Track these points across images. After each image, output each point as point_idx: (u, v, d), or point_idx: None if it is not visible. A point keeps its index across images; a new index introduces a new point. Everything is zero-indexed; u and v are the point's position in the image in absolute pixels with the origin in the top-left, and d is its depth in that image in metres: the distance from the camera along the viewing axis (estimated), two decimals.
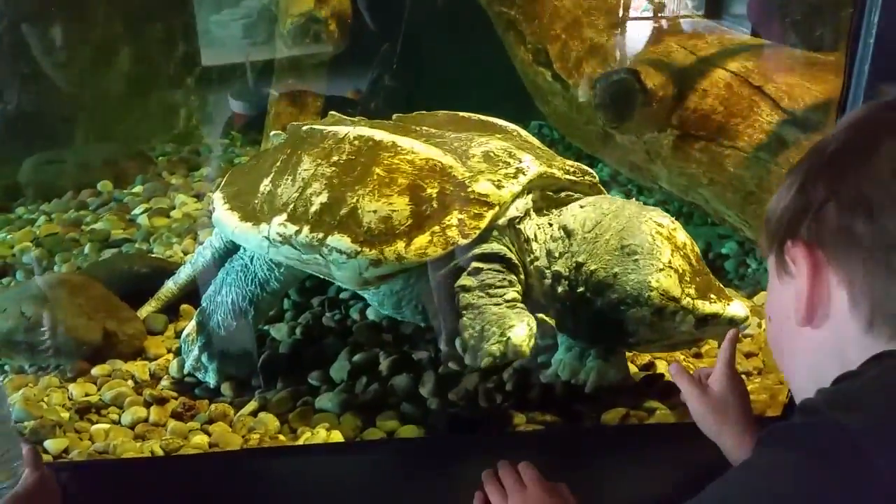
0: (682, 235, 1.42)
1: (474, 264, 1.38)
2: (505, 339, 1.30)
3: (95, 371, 1.79)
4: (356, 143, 1.48)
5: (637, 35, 2.34)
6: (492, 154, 1.45)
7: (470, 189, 1.38)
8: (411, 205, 1.37)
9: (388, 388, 1.64)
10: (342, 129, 1.53)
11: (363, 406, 1.59)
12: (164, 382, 1.74)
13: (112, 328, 1.84)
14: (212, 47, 3.56)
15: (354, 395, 1.63)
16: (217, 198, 1.62)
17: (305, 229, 1.42)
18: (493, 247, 1.40)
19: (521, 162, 1.44)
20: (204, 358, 1.67)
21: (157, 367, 1.79)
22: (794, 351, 0.89)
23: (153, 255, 2.26)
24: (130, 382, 1.76)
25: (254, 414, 1.62)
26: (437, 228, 1.35)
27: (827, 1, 2.56)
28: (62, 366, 1.81)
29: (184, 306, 1.97)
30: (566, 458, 1.33)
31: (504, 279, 1.37)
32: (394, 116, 1.79)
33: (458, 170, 1.41)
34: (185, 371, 1.73)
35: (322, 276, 1.54)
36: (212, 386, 1.70)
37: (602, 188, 1.59)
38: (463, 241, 1.35)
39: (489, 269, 1.37)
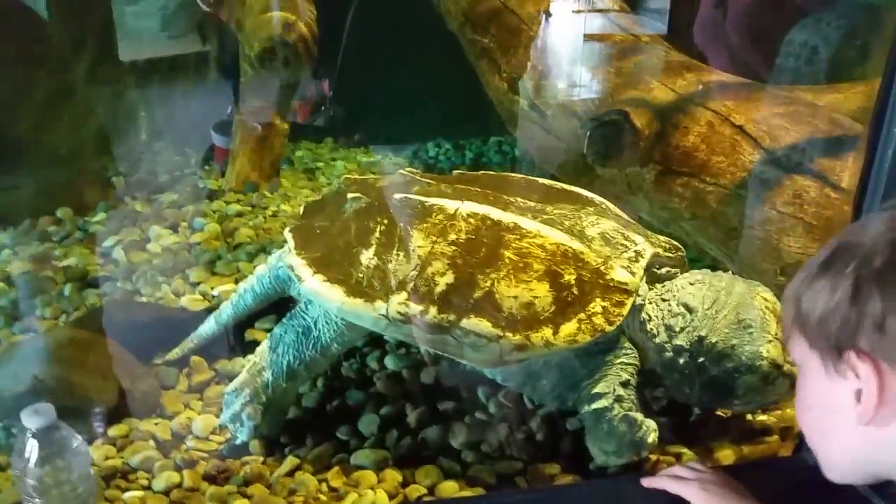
0: (780, 307, 1.56)
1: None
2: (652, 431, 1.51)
3: (112, 432, 1.77)
4: (472, 220, 1.50)
5: (617, 69, 2.43)
6: (608, 236, 1.55)
7: (608, 277, 1.46)
8: (552, 291, 1.42)
9: (419, 441, 1.69)
10: (449, 204, 1.54)
11: (399, 461, 1.64)
12: (191, 443, 1.74)
13: (127, 386, 1.82)
14: (128, 41, 3.42)
15: (387, 449, 1.68)
16: (300, 265, 1.57)
17: (433, 310, 1.43)
18: (626, 350, 1.52)
19: (636, 244, 1.55)
20: (245, 414, 1.67)
21: (179, 426, 1.78)
22: (841, 439, 0.99)
23: (152, 303, 2.22)
24: (151, 443, 1.76)
25: (290, 474, 1.65)
26: (582, 316, 1.42)
27: (777, 32, 2.73)
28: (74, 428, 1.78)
29: (195, 358, 1.96)
30: None
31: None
32: (454, 172, 1.82)
33: (590, 255, 1.48)
34: (219, 424, 1.73)
35: (444, 354, 1.56)
36: (240, 442, 1.71)
37: (685, 259, 1.71)
38: (609, 329, 1.43)
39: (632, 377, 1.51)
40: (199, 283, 2.32)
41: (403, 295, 1.45)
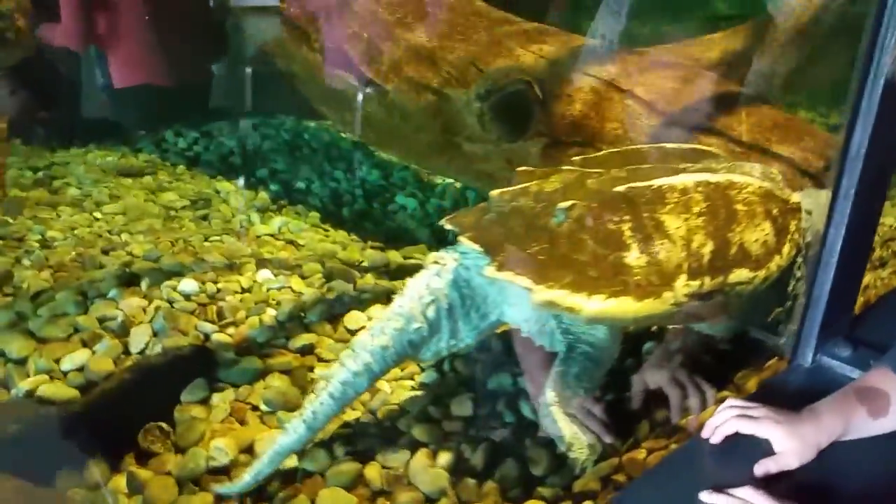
0: None
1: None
2: None
3: None
4: (700, 189, 1.56)
5: (465, 35, 2.24)
6: (763, 172, 1.71)
7: (792, 202, 1.68)
8: (773, 226, 1.62)
9: (497, 479, 1.40)
10: (677, 181, 1.56)
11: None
12: None
13: None
14: None
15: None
16: (562, 296, 1.41)
17: (706, 280, 1.50)
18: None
19: (776, 174, 1.74)
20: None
21: None
22: None
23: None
24: None
25: None
26: (789, 237, 1.65)
27: None
28: None
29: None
30: None
31: None
32: (576, 160, 1.72)
33: (776, 189, 1.66)
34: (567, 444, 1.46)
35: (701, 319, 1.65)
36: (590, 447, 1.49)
37: None
38: (801, 242, 1.68)
39: None
40: (26, 359, 1.59)
41: (683, 277, 1.49)
